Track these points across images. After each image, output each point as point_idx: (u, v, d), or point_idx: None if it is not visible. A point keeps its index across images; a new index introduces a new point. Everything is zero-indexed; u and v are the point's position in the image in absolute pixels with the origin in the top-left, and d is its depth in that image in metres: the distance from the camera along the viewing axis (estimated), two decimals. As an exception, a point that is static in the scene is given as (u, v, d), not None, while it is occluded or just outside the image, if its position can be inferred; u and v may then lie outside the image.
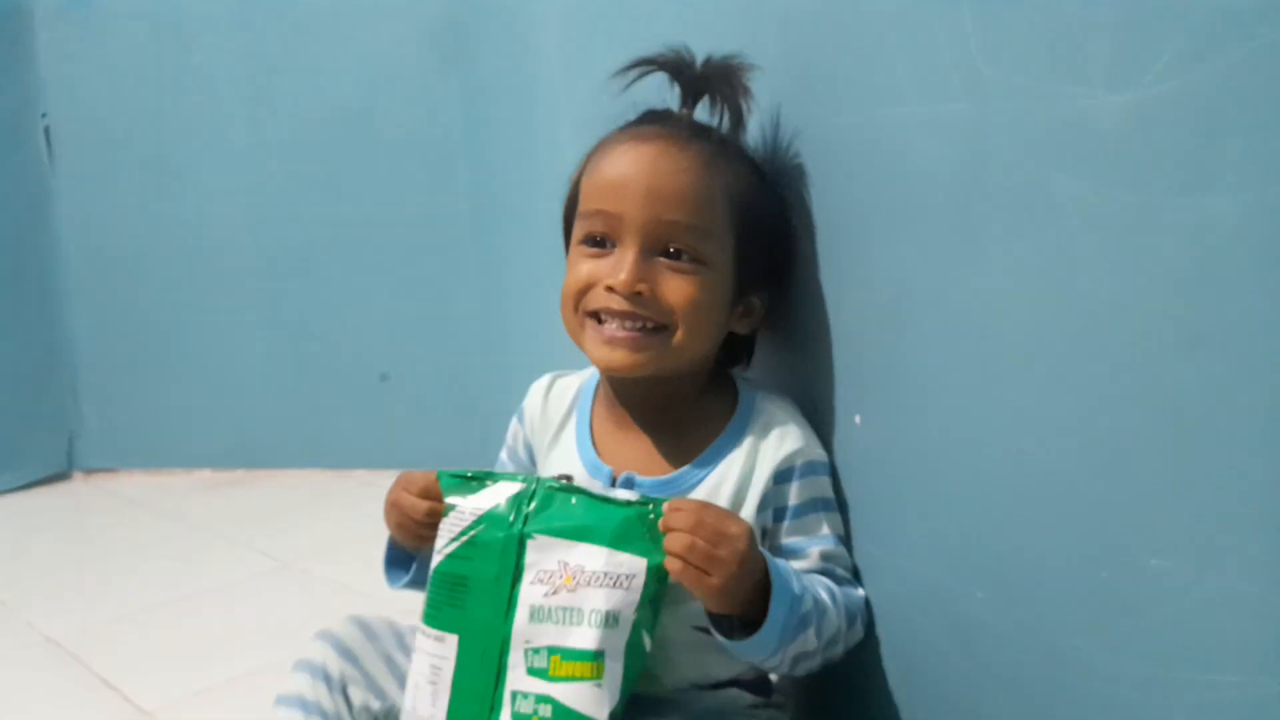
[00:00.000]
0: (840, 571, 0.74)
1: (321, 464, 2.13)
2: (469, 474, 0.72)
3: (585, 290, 0.74)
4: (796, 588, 0.67)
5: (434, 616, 0.69)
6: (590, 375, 0.85)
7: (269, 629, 1.30)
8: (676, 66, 0.79)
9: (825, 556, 0.74)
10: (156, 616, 1.38)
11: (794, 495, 0.74)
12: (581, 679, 0.65)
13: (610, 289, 0.72)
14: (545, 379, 0.87)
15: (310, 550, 1.62)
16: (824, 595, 0.70)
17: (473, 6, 1.86)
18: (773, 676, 0.78)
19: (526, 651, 0.66)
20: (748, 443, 0.75)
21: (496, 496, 0.70)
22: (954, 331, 0.62)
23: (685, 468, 0.76)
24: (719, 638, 0.67)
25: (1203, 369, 0.45)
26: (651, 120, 0.79)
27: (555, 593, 0.66)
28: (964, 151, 0.59)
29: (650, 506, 0.67)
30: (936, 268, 0.63)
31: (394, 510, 0.75)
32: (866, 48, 0.68)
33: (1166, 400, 0.47)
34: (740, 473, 0.74)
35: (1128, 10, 0.47)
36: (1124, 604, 0.50)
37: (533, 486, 0.70)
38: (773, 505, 0.74)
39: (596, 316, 0.74)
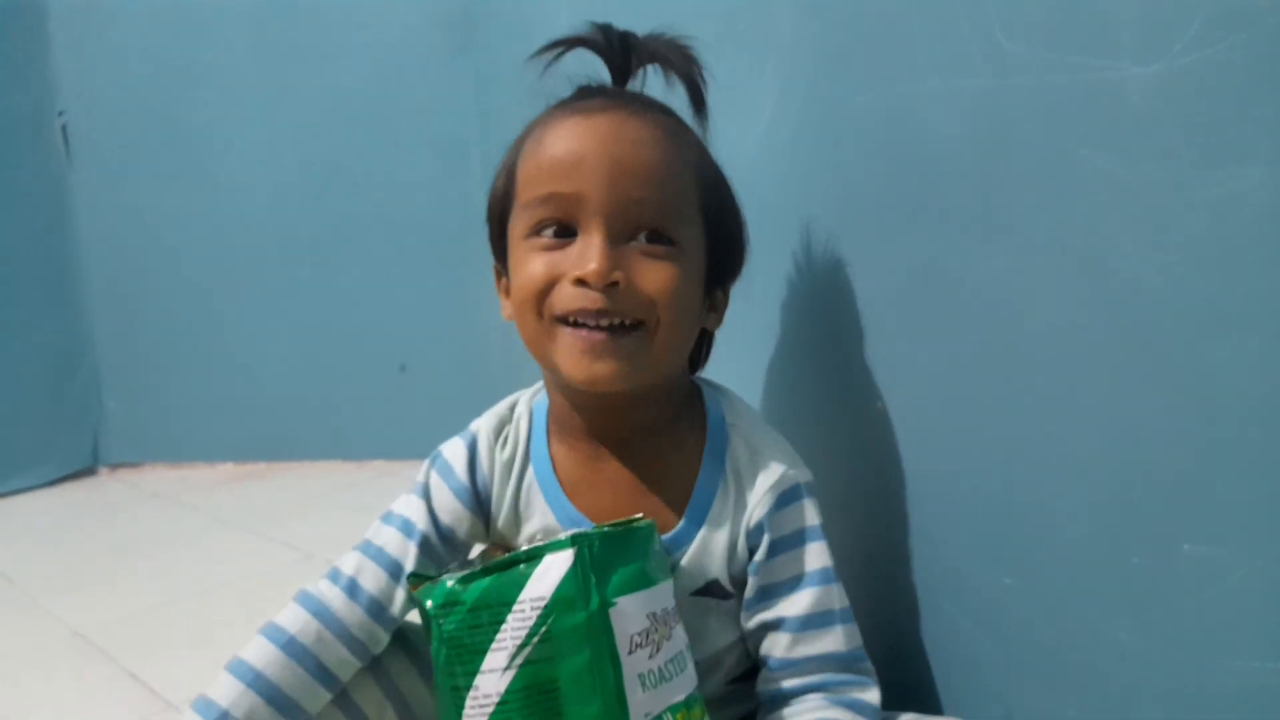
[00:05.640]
0: (842, 677, 0.66)
1: (342, 455, 2.14)
2: (489, 563, 0.60)
3: (547, 289, 0.63)
4: None
5: None
6: (536, 400, 0.73)
7: (293, 620, 1.30)
8: (603, 42, 0.69)
9: (824, 603, 0.66)
10: (182, 609, 1.39)
11: (777, 530, 0.67)
12: None
13: (580, 281, 0.61)
14: (504, 413, 0.73)
15: (333, 541, 1.61)
16: None
17: (484, -6, 1.86)
18: None
19: None
20: (731, 479, 0.68)
21: (551, 575, 0.57)
22: (979, 312, 0.61)
23: (679, 524, 0.68)
24: None
25: (1236, 349, 0.44)
26: (591, 94, 0.68)
27: (658, 649, 0.59)
28: (986, 127, 0.58)
29: (650, 526, 0.63)
30: (960, 246, 0.62)
31: None
32: (884, 24, 0.67)
33: (1199, 381, 0.46)
34: (730, 523, 0.67)
35: (1155, -23, 0.45)
36: (1158, 590, 0.49)
37: (585, 546, 0.58)
38: (756, 543, 0.67)
39: (567, 321, 0.63)
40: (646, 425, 0.69)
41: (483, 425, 0.72)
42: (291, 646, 0.66)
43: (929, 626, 0.71)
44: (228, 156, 2.11)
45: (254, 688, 0.65)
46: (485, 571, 0.58)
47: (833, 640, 0.66)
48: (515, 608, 0.57)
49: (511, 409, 0.73)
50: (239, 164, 2.11)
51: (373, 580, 0.68)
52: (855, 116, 0.72)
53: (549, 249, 0.63)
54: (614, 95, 0.68)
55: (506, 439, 0.72)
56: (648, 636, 0.58)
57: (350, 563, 0.69)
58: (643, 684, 0.58)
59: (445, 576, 0.60)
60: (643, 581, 0.59)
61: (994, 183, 0.58)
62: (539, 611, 0.57)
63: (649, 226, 0.63)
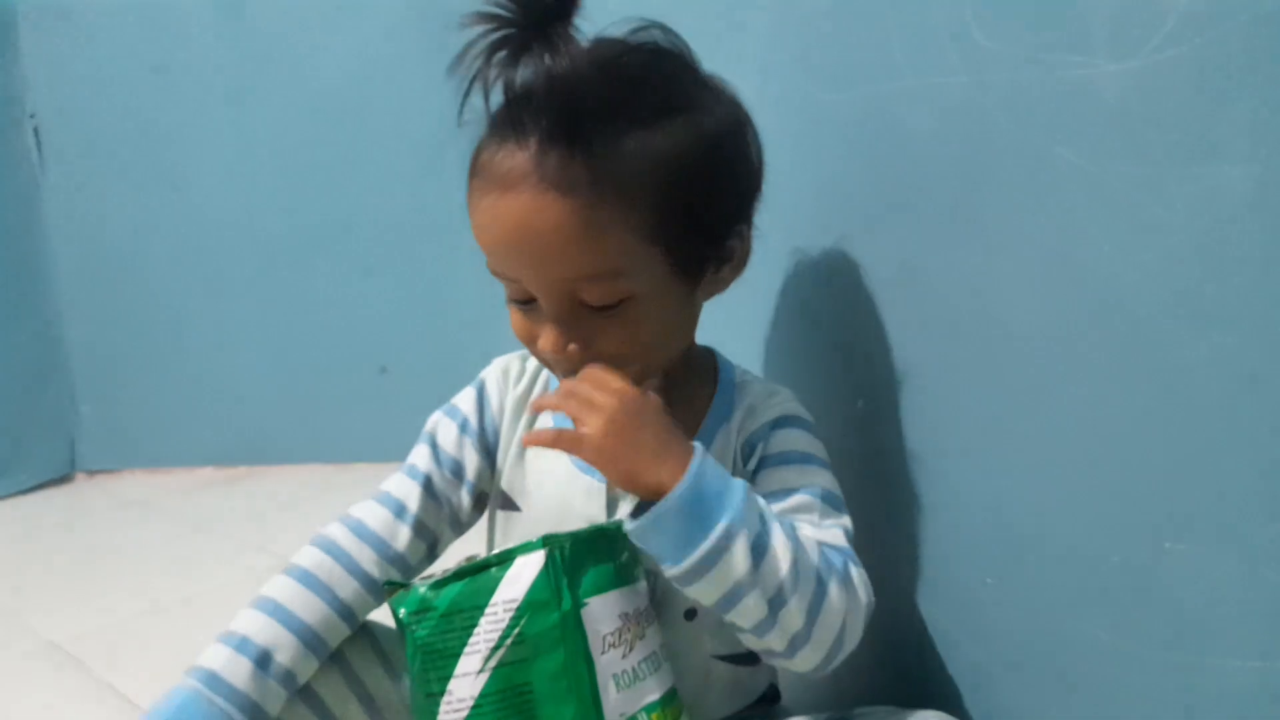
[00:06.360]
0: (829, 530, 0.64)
1: (323, 458, 2.12)
2: (452, 571, 0.59)
3: (530, 342, 0.67)
4: (736, 489, 0.57)
5: None
6: None
7: (273, 627, 1.29)
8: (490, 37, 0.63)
9: (805, 506, 0.65)
10: (160, 618, 1.37)
11: (771, 447, 0.68)
12: None
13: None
14: (512, 359, 0.77)
15: (314, 546, 1.61)
16: (787, 528, 0.59)
17: (459, -9, 1.85)
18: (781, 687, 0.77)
19: None
20: (737, 418, 0.70)
21: (523, 577, 0.58)
22: (956, 309, 0.61)
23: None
24: (628, 524, 0.58)
25: (1215, 346, 0.44)
26: (505, 128, 0.63)
27: (631, 649, 0.59)
28: (962, 125, 0.57)
29: (618, 527, 0.61)
30: (937, 245, 0.62)
31: None
32: (860, 21, 0.67)
33: (1177, 378, 0.45)
34: (733, 445, 0.70)
35: (1129, -26, 0.45)
36: (1139, 588, 0.49)
37: (556, 547, 0.58)
38: (749, 454, 0.69)
39: None
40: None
41: (491, 370, 0.77)
42: (307, 579, 0.69)
43: (910, 626, 0.71)
44: (203, 158, 2.09)
45: (275, 616, 0.67)
46: (457, 576, 0.59)
47: (825, 534, 0.63)
48: (488, 611, 0.57)
49: (523, 358, 0.76)
50: (214, 165, 2.09)
51: (376, 519, 0.71)
52: (831, 114, 0.72)
53: (520, 309, 0.66)
54: (524, 132, 0.61)
55: (520, 377, 0.75)
56: (620, 636, 0.59)
57: (359, 507, 0.73)
58: (617, 684, 0.58)
59: (418, 584, 0.60)
60: (614, 582, 0.60)
61: (970, 180, 0.58)
62: (511, 614, 0.57)
63: (590, 299, 0.62)
